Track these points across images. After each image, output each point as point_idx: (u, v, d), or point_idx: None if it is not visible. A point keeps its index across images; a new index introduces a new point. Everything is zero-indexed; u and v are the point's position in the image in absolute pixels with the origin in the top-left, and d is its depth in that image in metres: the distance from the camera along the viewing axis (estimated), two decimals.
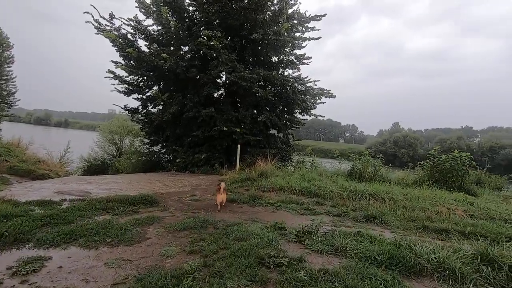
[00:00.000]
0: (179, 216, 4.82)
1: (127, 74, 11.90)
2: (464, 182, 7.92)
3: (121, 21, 11.49)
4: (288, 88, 12.58)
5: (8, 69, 31.57)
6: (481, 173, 8.77)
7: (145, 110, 13.40)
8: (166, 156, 14.66)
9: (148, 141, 14.83)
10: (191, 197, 6.48)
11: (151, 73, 11.46)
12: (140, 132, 15.98)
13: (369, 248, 3.48)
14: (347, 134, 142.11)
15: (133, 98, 13.20)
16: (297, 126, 14.42)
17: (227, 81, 11.59)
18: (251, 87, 10.78)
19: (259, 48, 12.34)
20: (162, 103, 12.72)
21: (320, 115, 14.14)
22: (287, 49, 13.20)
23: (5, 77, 31.45)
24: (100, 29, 10.78)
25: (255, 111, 12.63)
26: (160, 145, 14.65)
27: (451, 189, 7.87)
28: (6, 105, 31.23)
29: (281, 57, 13.40)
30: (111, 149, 24.02)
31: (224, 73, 11.18)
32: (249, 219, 4.85)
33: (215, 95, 13.14)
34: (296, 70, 13.47)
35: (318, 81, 13.09)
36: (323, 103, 14.04)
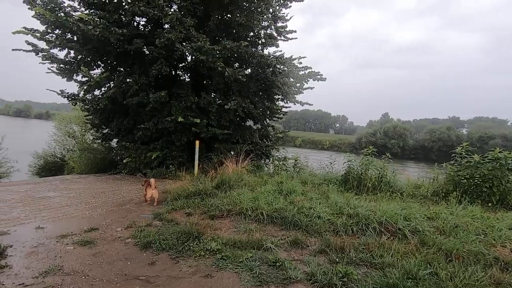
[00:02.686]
0: None
1: (57, 50, 8.97)
2: (509, 194, 5.56)
3: None
4: (267, 68, 9.88)
5: None
6: None
7: (88, 95, 10.48)
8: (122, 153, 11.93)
9: (99, 135, 12.03)
10: (86, 233, 3.85)
11: (84, 46, 8.55)
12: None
13: None
14: (337, 125, 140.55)
15: (74, 81, 10.31)
16: (279, 116, 11.81)
17: (184, 56, 8.83)
18: (214, 62, 8.06)
19: (228, 15, 9.58)
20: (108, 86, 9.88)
21: (307, 103, 11.57)
22: (266, 20, 10.41)
23: None
24: None
25: (227, 97, 9.92)
26: (116, 140, 11.93)
27: (490, 204, 5.51)
28: None
29: (258, 31, 10.61)
30: (72, 144, 21.09)
31: (179, 46, 8.37)
32: None
33: (177, 76, 10.38)
34: (275, 47, 10.75)
35: (304, 57, 10.42)
36: (311, 88, 11.45)
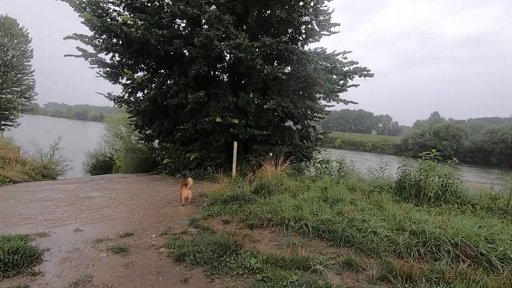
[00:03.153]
0: None
1: (104, 54, 9.39)
2: None
3: None
4: (308, 65, 9.28)
5: (26, 63, 31.00)
6: None
7: (132, 97, 10.84)
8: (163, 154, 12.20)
9: (142, 135, 12.43)
10: (121, 239, 3.70)
11: (127, 49, 8.77)
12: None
13: None
14: (380, 125, 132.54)
15: (119, 83, 10.75)
16: (321, 116, 11.09)
17: (223, 55, 8.60)
18: (253, 60, 7.72)
19: (267, 11, 9.17)
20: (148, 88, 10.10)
21: (352, 101, 10.70)
22: (308, 15, 9.78)
23: (24, 71, 30.96)
24: None
25: (266, 97, 9.53)
26: (158, 141, 12.27)
27: None
28: (24, 99, 30.86)
29: (299, 26, 10.02)
30: (119, 144, 22.37)
31: (218, 43, 8.17)
32: None
33: (215, 76, 10.25)
34: (316, 41, 10.07)
35: (349, 52, 9.63)
36: (356, 85, 10.55)
